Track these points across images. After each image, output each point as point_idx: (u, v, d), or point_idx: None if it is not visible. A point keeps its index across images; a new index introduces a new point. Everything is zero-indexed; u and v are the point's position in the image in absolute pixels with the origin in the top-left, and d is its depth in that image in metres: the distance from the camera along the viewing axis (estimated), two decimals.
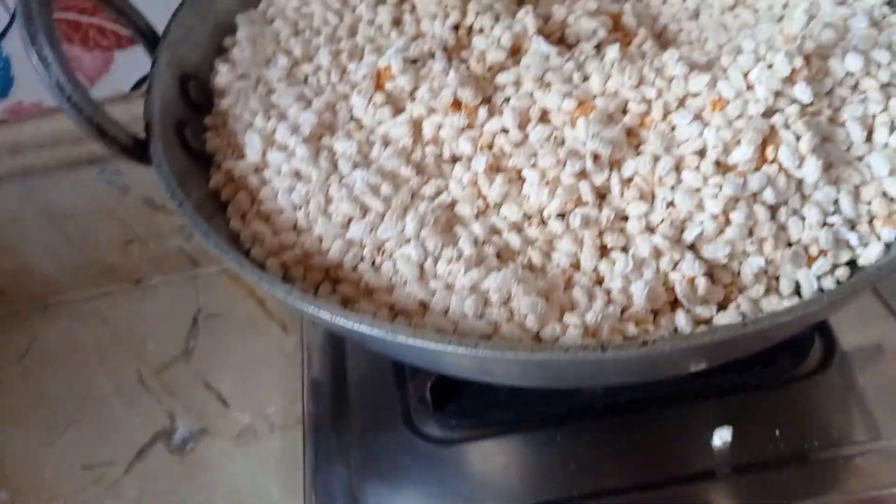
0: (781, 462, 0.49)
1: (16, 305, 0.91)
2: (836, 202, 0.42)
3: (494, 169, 0.44)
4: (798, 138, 0.42)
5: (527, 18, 0.49)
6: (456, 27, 0.49)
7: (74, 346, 0.88)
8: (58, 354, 0.88)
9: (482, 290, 0.39)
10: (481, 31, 0.49)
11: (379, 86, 0.48)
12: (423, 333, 0.34)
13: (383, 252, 0.42)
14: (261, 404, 0.79)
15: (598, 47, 0.48)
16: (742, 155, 0.41)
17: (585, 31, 0.49)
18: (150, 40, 0.51)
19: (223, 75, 0.51)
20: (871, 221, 0.42)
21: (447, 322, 0.39)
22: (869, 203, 0.42)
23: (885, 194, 0.42)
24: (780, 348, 0.54)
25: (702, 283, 0.40)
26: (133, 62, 0.74)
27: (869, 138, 0.44)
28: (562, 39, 0.50)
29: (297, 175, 0.46)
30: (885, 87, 0.44)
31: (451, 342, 0.34)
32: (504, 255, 0.42)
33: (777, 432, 0.50)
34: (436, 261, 0.41)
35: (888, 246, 0.41)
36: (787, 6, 0.51)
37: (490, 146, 0.45)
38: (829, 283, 0.41)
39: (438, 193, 0.44)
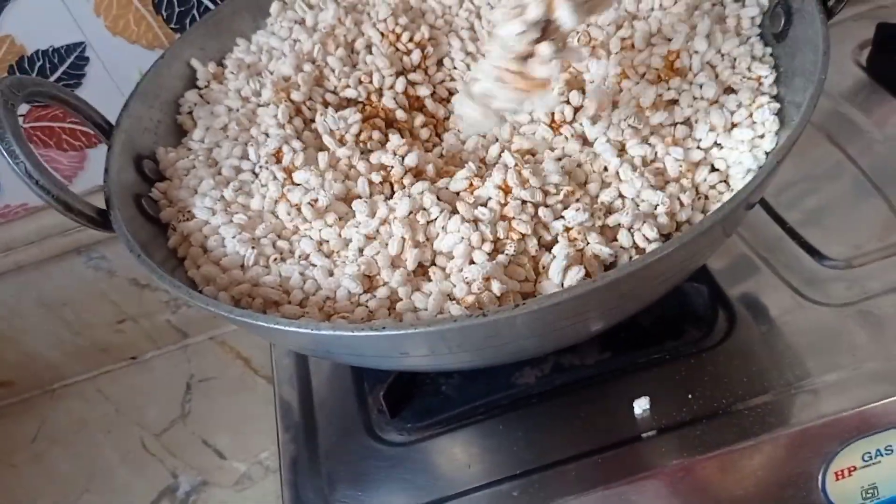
0: (696, 420, 0.56)
1: (23, 394, 0.98)
2: None
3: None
4: None
5: None
6: None
7: (80, 424, 0.94)
8: (66, 434, 0.94)
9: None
10: None
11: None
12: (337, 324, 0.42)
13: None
14: (254, 452, 0.86)
15: None
16: None
17: None
18: (108, 132, 0.59)
19: (167, 156, 0.60)
20: None
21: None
22: None
23: None
24: (686, 323, 0.61)
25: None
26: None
27: None
28: None
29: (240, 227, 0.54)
30: None
31: (365, 329, 0.41)
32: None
33: (690, 396, 0.57)
34: None
35: None
36: None
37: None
38: None
39: None
